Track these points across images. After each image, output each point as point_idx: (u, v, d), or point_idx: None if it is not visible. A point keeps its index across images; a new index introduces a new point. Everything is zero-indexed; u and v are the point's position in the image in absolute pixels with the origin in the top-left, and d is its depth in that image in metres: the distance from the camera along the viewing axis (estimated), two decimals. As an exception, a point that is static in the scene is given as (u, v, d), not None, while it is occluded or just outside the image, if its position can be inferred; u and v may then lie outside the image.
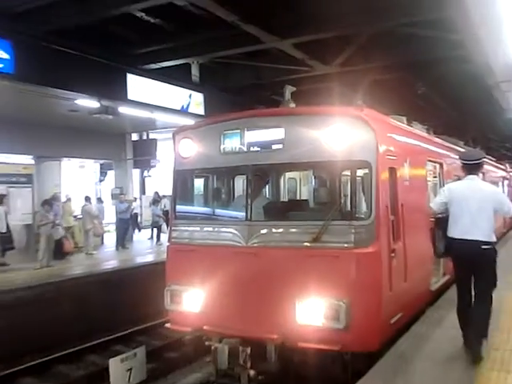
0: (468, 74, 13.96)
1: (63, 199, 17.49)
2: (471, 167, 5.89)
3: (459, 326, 5.80)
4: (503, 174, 20.20)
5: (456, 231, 5.68)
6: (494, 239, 5.68)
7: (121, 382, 7.30)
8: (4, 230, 13.88)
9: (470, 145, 17.23)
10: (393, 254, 6.06)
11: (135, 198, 22.15)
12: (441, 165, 9.26)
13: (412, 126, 8.80)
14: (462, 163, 5.97)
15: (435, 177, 9.28)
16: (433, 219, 6.92)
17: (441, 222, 5.93)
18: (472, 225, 5.55)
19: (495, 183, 14.80)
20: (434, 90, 16.59)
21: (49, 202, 14.71)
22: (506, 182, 19.70)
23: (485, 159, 6.38)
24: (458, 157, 7.37)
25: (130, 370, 7.42)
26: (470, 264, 5.65)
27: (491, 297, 5.61)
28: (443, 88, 16.81)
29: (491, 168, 16.99)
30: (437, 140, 10.15)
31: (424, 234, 7.46)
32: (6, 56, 9.79)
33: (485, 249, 5.52)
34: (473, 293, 5.74)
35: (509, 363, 5.26)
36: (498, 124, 22.31)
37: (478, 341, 5.39)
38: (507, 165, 23.33)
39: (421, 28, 11.16)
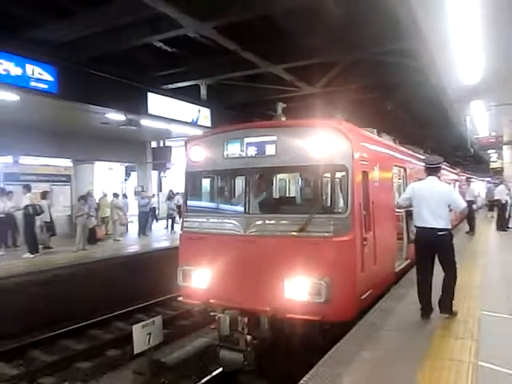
0: (426, 95, 13.97)
1: (101, 195, 17.48)
2: (432, 169, 5.95)
3: (418, 301, 5.83)
4: (455, 177, 20.26)
5: (418, 221, 5.79)
6: (449, 226, 5.73)
7: (142, 344, 7.30)
8: (48, 220, 13.91)
9: (428, 153, 17.11)
10: (365, 242, 6.04)
11: (153, 195, 22.01)
12: (405, 169, 9.23)
13: (381, 136, 8.77)
14: (425, 166, 6.02)
15: (400, 179, 9.24)
16: (398, 213, 6.92)
17: (410, 215, 5.99)
18: (430, 216, 5.63)
19: (449, 184, 14.79)
20: (399, 107, 16.66)
21: (84, 197, 14.71)
22: (457, 184, 19.71)
23: (442, 164, 6.41)
24: (419, 162, 7.37)
25: (150, 334, 7.40)
26: (429, 248, 5.72)
27: (455, 268, 5.72)
28: (407, 106, 16.89)
29: (446, 172, 16.98)
30: (401, 148, 10.11)
31: (390, 226, 7.45)
32: (50, 78, 9.93)
33: (440, 235, 5.60)
34: (433, 272, 5.79)
35: (457, 330, 5.27)
36: (451, 136, 22.33)
37: (447, 302, 5.65)
38: (458, 169, 23.40)
39: (388, 56, 11.17)
